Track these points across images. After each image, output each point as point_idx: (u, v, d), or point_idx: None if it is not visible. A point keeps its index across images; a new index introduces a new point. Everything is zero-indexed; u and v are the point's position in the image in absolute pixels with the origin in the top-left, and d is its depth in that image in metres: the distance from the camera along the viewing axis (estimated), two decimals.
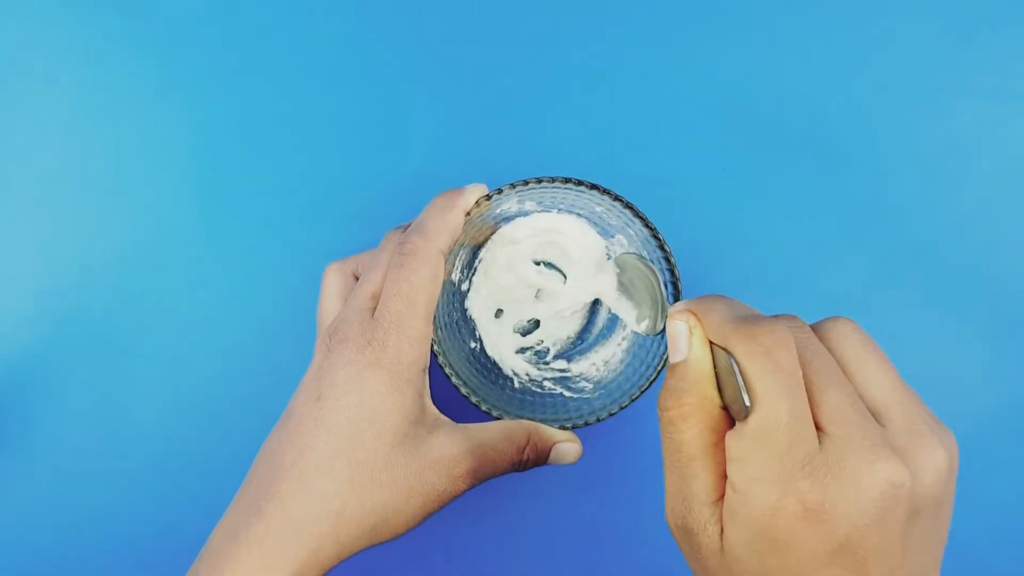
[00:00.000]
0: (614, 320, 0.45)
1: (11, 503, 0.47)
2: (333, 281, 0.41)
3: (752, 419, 0.29)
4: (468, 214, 0.39)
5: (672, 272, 0.40)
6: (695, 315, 0.32)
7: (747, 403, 0.29)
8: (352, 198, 0.48)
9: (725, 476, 0.31)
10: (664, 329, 0.38)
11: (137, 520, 0.47)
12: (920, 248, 0.48)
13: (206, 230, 0.48)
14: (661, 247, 0.39)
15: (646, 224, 0.39)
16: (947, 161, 0.48)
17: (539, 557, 0.48)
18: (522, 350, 0.45)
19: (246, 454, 0.39)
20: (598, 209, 0.41)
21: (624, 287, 0.42)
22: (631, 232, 0.41)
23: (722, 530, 0.31)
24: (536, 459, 0.39)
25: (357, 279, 0.41)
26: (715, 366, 0.32)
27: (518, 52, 0.48)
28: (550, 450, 0.39)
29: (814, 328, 0.32)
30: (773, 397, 0.29)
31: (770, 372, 0.29)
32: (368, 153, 0.48)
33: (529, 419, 0.39)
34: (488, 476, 0.37)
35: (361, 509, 0.35)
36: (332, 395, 0.35)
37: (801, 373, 0.29)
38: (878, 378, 0.31)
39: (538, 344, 0.45)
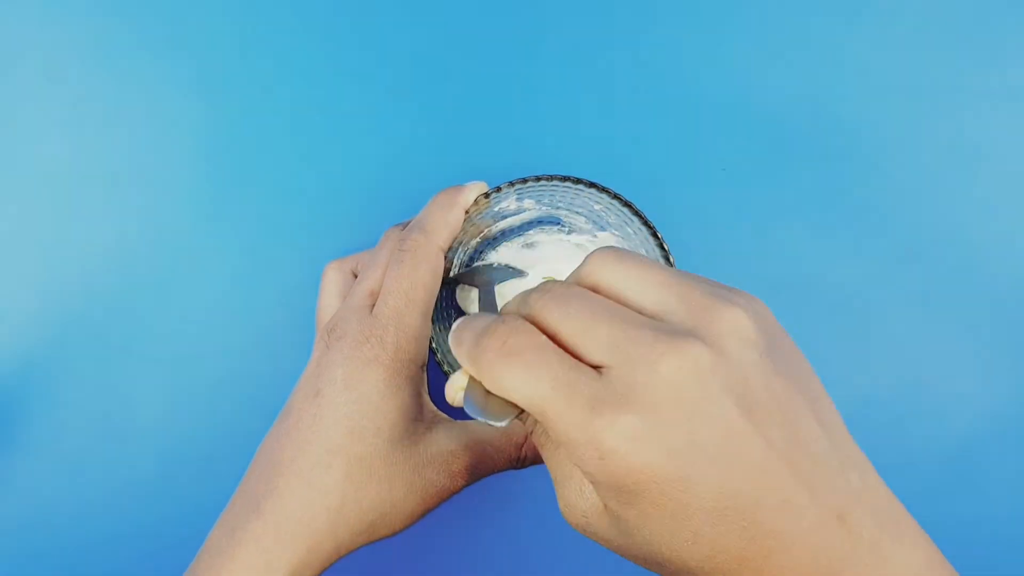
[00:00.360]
0: None
1: (11, 503, 0.47)
2: (332, 280, 0.41)
3: (528, 418, 0.29)
4: (468, 212, 0.39)
5: None
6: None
7: (518, 419, 0.29)
8: (352, 198, 0.48)
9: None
10: None
11: (137, 519, 0.47)
12: (919, 248, 0.48)
13: (206, 230, 0.48)
14: (660, 246, 0.39)
15: (645, 223, 0.39)
16: (947, 161, 0.48)
17: (538, 554, 0.48)
18: None
19: (246, 453, 0.39)
20: (597, 207, 0.42)
21: None
22: (630, 231, 0.41)
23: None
24: (535, 456, 0.38)
25: (356, 277, 0.41)
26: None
27: (519, 52, 0.48)
28: None
29: (575, 274, 0.30)
30: (517, 384, 0.26)
31: (503, 371, 0.27)
32: (368, 152, 0.48)
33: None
34: (486, 473, 0.37)
35: (359, 505, 0.35)
36: (330, 391, 0.35)
37: (540, 338, 0.27)
38: (644, 282, 0.28)
39: None
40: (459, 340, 0.29)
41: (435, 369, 0.39)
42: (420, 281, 0.37)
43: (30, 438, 0.47)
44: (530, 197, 0.41)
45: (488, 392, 0.28)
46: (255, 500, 0.34)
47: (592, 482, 0.27)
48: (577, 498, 0.29)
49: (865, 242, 0.48)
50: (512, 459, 0.38)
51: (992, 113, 0.48)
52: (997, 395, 0.48)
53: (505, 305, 0.31)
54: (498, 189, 0.39)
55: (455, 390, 0.30)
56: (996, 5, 0.48)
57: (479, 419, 0.28)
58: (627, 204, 0.39)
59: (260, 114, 0.48)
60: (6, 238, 0.48)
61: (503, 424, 0.28)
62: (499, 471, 0.38)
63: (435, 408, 0.38)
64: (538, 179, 0.39)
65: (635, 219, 0.39)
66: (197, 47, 0.48)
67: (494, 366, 0.27)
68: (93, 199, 0.48)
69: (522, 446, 0.38)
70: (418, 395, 0.37)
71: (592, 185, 0.39)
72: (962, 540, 0.47)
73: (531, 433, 0.31)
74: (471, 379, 0.29)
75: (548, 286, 0.29)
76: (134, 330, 0.48)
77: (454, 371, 0.39)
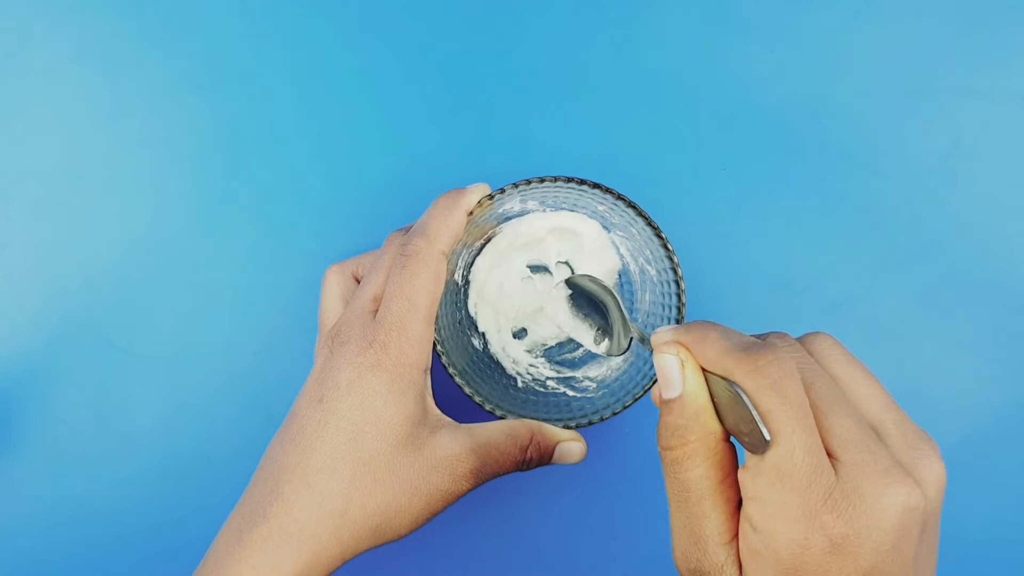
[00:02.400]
0: None
1: (11, 503, 0.47)
2: (333, 283, 0.41)
3: (769, 457, 0.28)
4: (471, 214, 0.39)
5: (675, 272, 0.40)
6: (684, 346, 0.31)
7: (767, 437, 0.29)
8: (353, 200, 0.48)
9: (736, 514, 0.31)
10: (628, 348, 0.38)
11: (137, 520, 0.47)
12: (920, 248, 0.49)
13: (206, 231, 0.48)
14: (664, 246, 0.39)
15: (649, 223, 0.39)
16: (947, 161, 0.49)
17: (544, 556, 0.48)
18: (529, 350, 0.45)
19: (246, 454, 0.39)
20: (600, 208, 0.42)
21: (576, 309, 0.41)
22: (634, 231, 0.41)
23: (740, 570, 0.30)
24: (540, 458, 0.38)
25: (357, 280, 0.41)
26: (712, 395, 0.31)
27: (519, 52, 0.48)
28: (554, 449, 0.39)
29: (802, 347, 0.32)
30: (788, 433, 0.28)
31: (781, 406, 0.28)
32: (369, 154, 0.48)
33: (533, 418, 0.39)
34: (492, 475, 0.37)
35: (364, 510, 0.35)
36: (334, 397, 0.35)
37: (808, 402, 0.29)
38: (869, 393, 0.31)
39: (542, 346, 0.46)
40: (706, 338, 0.31)
41: (439, 374, 0.39)
42: (422, 286, 0.37)
43: (30, 439, 0.47)
44: (534, 198, 0.41)
45: (706, 379, 0.31)
46: (261, 505, 0.35)
47: (757, 546, 0.29)
48: (712, 532, 0.31)
49: (865, 242, 0.49)
50: (517, 462, 0.38)
51: (992, 113, 0.48)
52: (998, 395, 0.49)
53: (694, 324, 0.32)
54: (502, 191, 0.39)
55: (667, 367, 0.32)
56: (996, 5, 0.48)
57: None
58: (631, 205, 0.39)
59: (263, 116, 0.48)
60: (6, 238, 0.47)
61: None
62: (504, 474, 0.38)
63: (439, 412, 0.38)
64: (542, 180, 0.39)
65: (639, 220, 0.40)
66: (200, 48, 0.48)
67: (766, 388, 0.29)
68: (94, 200, 0.48)
69: (527, 449, 0.38)
70: (422, 399, 0.37)
71: (596, 186, 0.39)
72: (963, 539, 0.48)
73: (672, 462, 0.31)
74: (694, 364, 0.31)
75: (789, 342, 0.31)
76: (134, 331, 0.48)
77: (459, 373, 0.39)
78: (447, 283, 0.39)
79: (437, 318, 0.38)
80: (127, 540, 0.47)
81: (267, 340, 0.48)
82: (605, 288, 0.39)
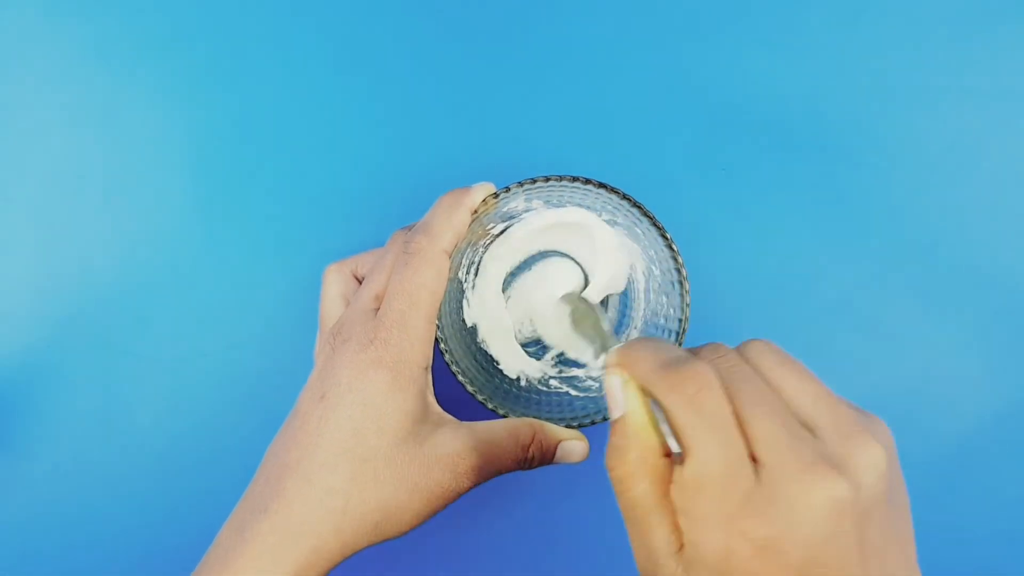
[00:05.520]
0: (621, 319, 0.45)
1: (11, 503, 0.47)
2: (333, 282, 0.41)
3: (686, 469, 0.29)
4: (476, 212, 0.39)
5: (680, 272, 0.40)
6: (624, 366, 0.32)
7: (676, 450, 0.30)
8: (352, 198, 0.48)
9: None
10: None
11: (138, 520, 0.47)
12: (920, 248, 0.49)
13: (206, 230, 0.48)
14: (669, 246, 0.39)
15: (654, 223, 0.39)
16: (947, 161, 0.49)
17: (544, 556, 0.48)
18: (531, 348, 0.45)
19: (246, 453, 0.39)
20: (606, 208, 0.42)
21: (575, 326, 0.42)
22: (639, 231, 0.41)
23: None
24: (541, 457, 0.38)
25: (356, 278, 0.42)
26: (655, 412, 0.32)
27: (521, 51, 0.48)
28: (555, 448, 0.39)
29: (736, 352, 0.32)
30: (702, 446, 0.28)
31: (696, 420, 0.29)
32: (368, 153, 0.48)
33: (535, 417, 0.39)
34: (493, 474, 0.37)
35: (365, 506, 0.35)
36: (335, 393, 0.36)
37: (729, 409, 0.29)
38: (802, 388, 0.30)
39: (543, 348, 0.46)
40: (636, 358, 0.32)
41: (442, 372, 0.39)
42: (424, 284, 0.37)
43: (30, 439, 0.47)
44: (539, 198, 0.41)
45: (641, 396, 0.32)
46: (263, 501, 0.35)
47: (691, 557, 0.29)
48: (661, 545, 0.31)
49: (865, 242, 0.49)
50: (519, 460, 0.38)
51: (992, 113, 0.49)
52: (998, 395, 0.49)
53: (633, 343, 0.33)
54: (507, 189, 0.39)
55: (611, 388, 0.33)
56: (996, 5, 0.49)
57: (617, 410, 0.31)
58: (636, 205, 0.39)
59: (261, 114, 0.48)
60: (6, 238, 0.47)
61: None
62: (506, 472, 0.38)
63: (440, 410, 0.38)
64: (547, 179, 0.39)
65: (644, 220, 0.39)
66: (197, 47, 0.48)
67: (681, 404, 0.29)
68: (92, 199, 0.48)
69: (529, 447, 0.38)
70: (422, 396, 0.37)
71: (601, 186, 0.39)
72: (963, 539, 0.48)
73: (616, 482, 0.32)
74: (634, 384, 0.32)
75: (720, 352, 0.31)
76: (134, 331, 0.48)
77: (462, 371, 0.39)
78: (450, 281, 0.39)
79: (440, 316, 0.38)
80: (127, 540, 0.47)
81: (267, 340, 0.48)
82: (589, 306, 0.40)
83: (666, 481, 0.31)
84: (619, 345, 0.33)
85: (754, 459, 0.29)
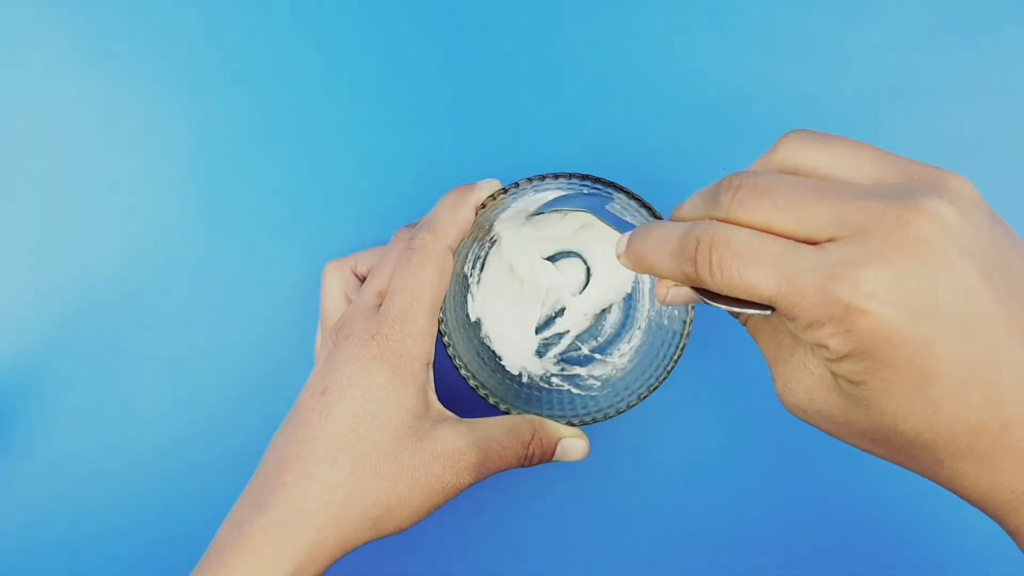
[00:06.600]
0: (625, 319, 0.45)
1: (11, 503, 0.47)
2: (334, 280, 0.41)
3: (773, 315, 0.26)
4: (483, 206, 0.39)
5: None
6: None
7: (766, 313, 0.27)
8: (352, 198, 0.48)
9: None
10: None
11: (138, 519, 0.47)
12: None
13: (206, 230, 0.48)
14: None
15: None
16: (947, 161, 0.48)
17: (544, 554, 0.48)
18: (538, 352, 0.45)
19: (247, 453, 0.39)
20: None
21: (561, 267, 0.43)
22: None
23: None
24: (542, 455, 0.39)
25: (357, 276, 0.42)
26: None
27: (522, 51, 0.48)
28: (556, 446, 0.39)
29: (767, 161, 0.29)
30: (759, 293, 0.25)
31: (731, 281, 0.26)
32: (369, 152, 0.48)
33: (536, 414, 0.39)
34: (493, 470, 0.37)
35: (364, 500, 0.35)
36: (336, 388, 0.36)
37: (761, 234, 0.26)
38: (861, 157, 0.27)
39: (560, 334, 0.46)
40: (645, 246, 0.29)
41: (441, 369, 0.39)
42: (426, 280, 0.37)
43: (30, 439, 0.47)
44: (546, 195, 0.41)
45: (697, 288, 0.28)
46: (263, 495, 0.35)
47: (832, 359, 0.26)
48: (802, 374, 0.28)
49: None
50: (519, 457, 0.38)
51: (992, 113, 0.49)
52: None
53: (678, 209, 0.30)
54: (516, 185, 0.39)
55: (665, 287, 0.29)
56: (995, 5, 0.49)
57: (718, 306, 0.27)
58: (645, 205, 0.39)
59: (261, 113, 0.48)
60: (6, 238, 0.47)
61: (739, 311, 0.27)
62: (506, 469, 0.38)
63: (441, 407, 0.38)
64: (556, 176, 0.39)
65: (653, 220, 0.39)
66: (196, 47, 0.48)
67: (717, 270, 0.26)
68: (92, 199, 0.48)
69: (529, 444, 0.38)
70: (423, 392, 0.37)
71: (611, 185, 0.39)
72: (962, 540, 0.48)
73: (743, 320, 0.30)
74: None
75: (739, 180, 0.27)
76: (134, 331, 0.48)
77: (464, 366, 0.39)
78: (455, 275, 0.39)
79: (443, 312, 0.38)
80: (127, 539, 0.47)
81: (267, 340, 0.48)
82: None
83: (787, 331, 0.29)
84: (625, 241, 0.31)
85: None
